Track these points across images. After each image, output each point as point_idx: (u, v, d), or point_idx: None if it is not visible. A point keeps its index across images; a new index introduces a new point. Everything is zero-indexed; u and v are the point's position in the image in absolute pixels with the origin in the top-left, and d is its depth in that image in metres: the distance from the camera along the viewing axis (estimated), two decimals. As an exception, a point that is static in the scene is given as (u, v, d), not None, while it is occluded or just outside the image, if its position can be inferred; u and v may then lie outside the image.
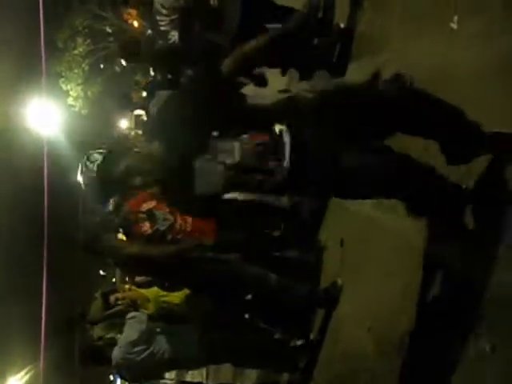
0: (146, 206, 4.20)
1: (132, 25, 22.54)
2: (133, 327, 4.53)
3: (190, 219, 4.21)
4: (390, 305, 3.19)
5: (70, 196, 21.81)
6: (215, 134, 2.91)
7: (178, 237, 4.17)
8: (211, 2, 4.39)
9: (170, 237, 4.17)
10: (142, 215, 4.17)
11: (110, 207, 4.01)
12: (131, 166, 3.16)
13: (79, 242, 4.25)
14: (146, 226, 4.22)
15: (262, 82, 4.45)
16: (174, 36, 4.49)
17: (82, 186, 3.34)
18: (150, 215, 4.14)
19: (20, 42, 19.44)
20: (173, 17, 4.39)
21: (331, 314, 3.98)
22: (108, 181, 3.20)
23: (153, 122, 3.76)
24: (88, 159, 3.29)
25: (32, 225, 19.73)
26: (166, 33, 4.47)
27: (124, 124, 21.45)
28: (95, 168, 3.24)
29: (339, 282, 3.96)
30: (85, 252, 4.42)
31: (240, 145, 2.86)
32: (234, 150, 2.85)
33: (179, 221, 4.21)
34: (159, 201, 4.25)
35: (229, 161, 2.83)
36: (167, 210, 4.23)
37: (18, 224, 20.51)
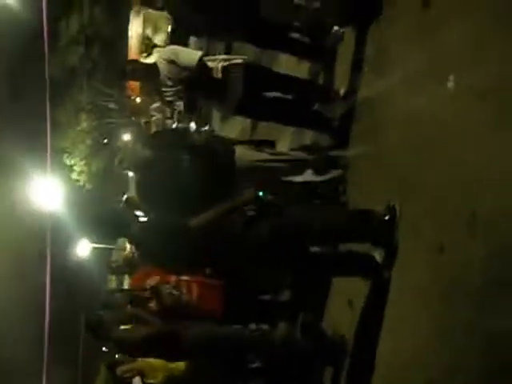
0: (149, 282, 4.22)
1: (134, 101, 23.24)
2: None
3: (195, 291, 4.23)
4: (404, 357, 3.15)
5: (72, 271, 21.78)
6: None
7: (185, 311, 4.19)
8: (214, 74, 4.52)
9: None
10: (147, 293, 4.19)
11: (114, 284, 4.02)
12: None
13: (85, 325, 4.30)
14: (153, 303, 4.22)
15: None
16: (179, 106, 4.63)
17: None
18: (155, 292, 4.15)
19: (24, 120, 19.93)
20: (178, 87, 4.54)
21: (341, 369, 3.91)
22: None
23: None
24: None
25: (34, 299, 19.57)
26: (172, 103, 4.62)
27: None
28: None
29: (345, 334, 3.93)
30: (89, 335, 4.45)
31: None
32: None
33: (185, 294, 4.23)
34: (163, 275, 4.30)
35: None
36: (173, 282, 4.26)
37: (19, 297, 20.35)
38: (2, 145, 19.71)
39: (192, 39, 7.67)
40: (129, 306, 4.36)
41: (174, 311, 4.12)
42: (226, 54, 6.53)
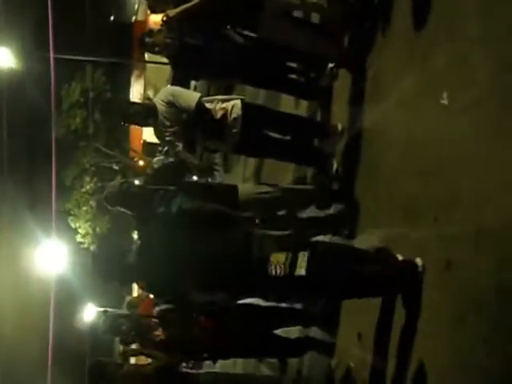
0: (157, 309, 4.16)
1: (137, 163, 23.53)
2: None
3: (203, 322, 4.14)
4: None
5: (75, 336, 21.47)
6: None
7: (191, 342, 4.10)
8: (213, 114, 4.56)
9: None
10: (154, 320, 4.13)
11: (124, 309, 3.97)
12: None
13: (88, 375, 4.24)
14: (159, 331, 4.15)
15: None
16: (179, 146, 4.66)
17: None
18: (163, 319, 4.08)
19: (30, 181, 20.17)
20: (175, 128, 4.57)
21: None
22: None
23: None
24: None
25: (38, 361, 19.31)
26: (172, 143, 4.65)
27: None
28: None
29: (352, 365, 3.86)
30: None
31: None
32: None
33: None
34: None
35: None
36: None
37: (24, 359, 20.05)
38: (6, 207, 19.87)
39: (192, 82, 7.83)
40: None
41: (179, 342, 4.03)
42: (225, 92, 6.63)
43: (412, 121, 3.51)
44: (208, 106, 4.58)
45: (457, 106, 2.98)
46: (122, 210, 4.29)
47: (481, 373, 2.60)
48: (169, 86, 4.92)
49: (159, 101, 4.53)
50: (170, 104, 4.51)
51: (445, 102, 3.06)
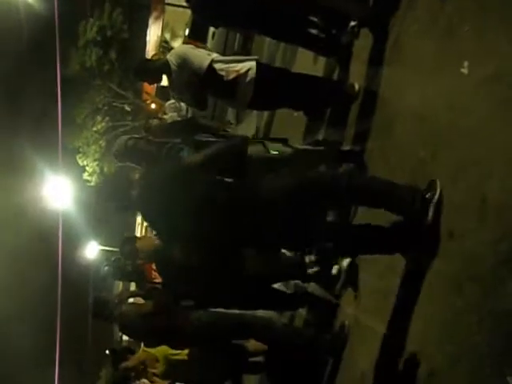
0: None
1: (149, 106, 23.40)
2: None
3: None
4: (409, 347, 3.14)
5: (81, 271, 21.88)
6: None
7: None
8: (224, 75, 4.49)
9: None
10: (154, 267, 4.23)
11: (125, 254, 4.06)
12: None
13: (91, 309, 4.38)
14: (158, 278, 4.26)
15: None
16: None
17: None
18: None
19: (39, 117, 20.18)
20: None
21: (340, 358, 3.88)
22: None
23: None
24: None
25: (44, 291, 19.74)
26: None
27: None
28: None
29: (346, 322, 3.92)
30: (95, 318, 4.55)
31: None
32: None
33: None
34: None
35: None
36: None
37: (30, 290, 20.54)
38: (17, 141, 19.97)
39: (211, 31, 7.72)
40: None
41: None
42: (244, 42, 6.52)
43: (429, 87, 3.48)
44: (221, 66, 4.48)
45: (476, 76, 2.95)
46: (131, 164, 4.32)
47: (469, 340, 2.67)
48: (183, 45, 4.85)
49: (172, 60, 4.48)
50: (182, 66, 4.45)
51: (465, 71, 3.03)
